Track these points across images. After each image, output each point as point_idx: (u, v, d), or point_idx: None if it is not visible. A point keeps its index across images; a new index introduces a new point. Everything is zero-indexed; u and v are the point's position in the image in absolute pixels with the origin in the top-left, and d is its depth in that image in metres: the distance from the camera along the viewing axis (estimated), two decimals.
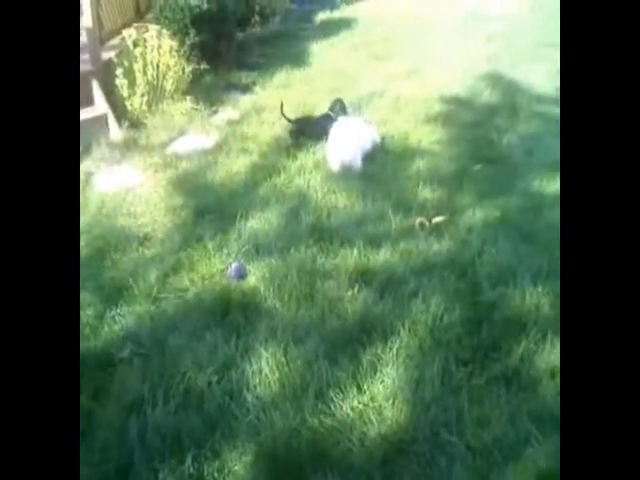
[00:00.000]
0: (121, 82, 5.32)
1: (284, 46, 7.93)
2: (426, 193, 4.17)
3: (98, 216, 4.00)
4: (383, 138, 4.91)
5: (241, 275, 3.29)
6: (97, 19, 5.45)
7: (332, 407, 2.46)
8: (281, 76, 6.65)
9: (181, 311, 3.05)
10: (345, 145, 4.57)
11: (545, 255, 3.35)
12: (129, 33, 5.42)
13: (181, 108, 5.54)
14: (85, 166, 4.62)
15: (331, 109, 5.09)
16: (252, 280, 3.25)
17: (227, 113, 5.74)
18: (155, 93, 5.51)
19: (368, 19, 9.21)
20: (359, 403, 2.48)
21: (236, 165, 4.62)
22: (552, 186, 4.19)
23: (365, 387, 2.55)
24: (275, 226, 3.78)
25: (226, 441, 2.34)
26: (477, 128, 5.31)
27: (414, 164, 4.56)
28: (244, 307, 3.04)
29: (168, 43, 5.49)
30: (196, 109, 5.59)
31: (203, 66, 5.97)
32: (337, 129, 4.71)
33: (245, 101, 6.03)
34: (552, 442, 2.24)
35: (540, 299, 3.04)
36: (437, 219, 3.78)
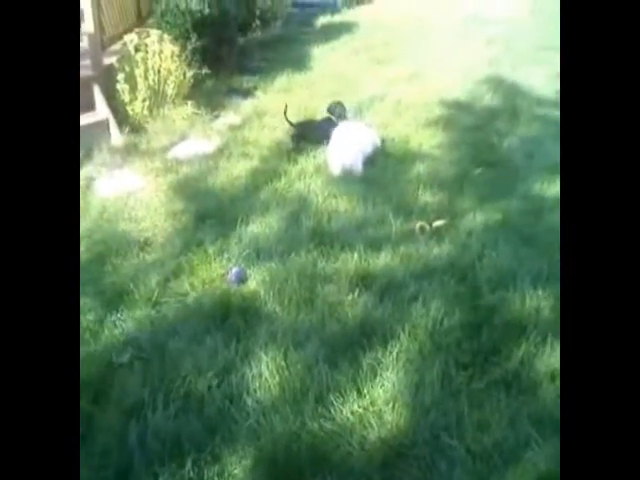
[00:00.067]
0: (122, 87, 5.34)
1: (285, 50, 7.96)
2: (427, 197, 4.17)
3: (99, 221, 4.01)
4: (384, 142, 4.91)
5: (241, 279, 3.30)
6: (99, 24, 5.47)
7: (332, 411, 2.46)
8: (282, 80, 6.67)
9: (181, 315, 3.05)
10: (346, 149, 4.58)
11: (545, 258, 3.35)
12: (130, 38, 5.43)
13: (182, 113, 5.56)
14: (86, 171, 4.64)
15: (330, 111, 5.10)
16: (252, 284, 3.26)
17: (228, 118, 5.75)
18: (156, 98, 5.52)
19: (369, 23, 9.24)
20: (359, 407, 2.48)
21: (237, 169, 4.63)
22: (552, 189, 4.19)
23: (365, 391, 2.55)
24: (276, 230, 3.78)
25: (226, 445, 2.34)
26: (477, 132, 5.32)
27: (415, 168, 4.57)
28: (244, 311, 3.04)
29: (169, 48, 5.50)
30: (197, 114, 5.60)
31: (204, 71, 5.98)
32: (338, 133, 4.72)
33: (246, 105, 6.05)
34: (552, 445, 2.24)
35: (540, 302, 3.04)
36: (437, 223, 3.78)
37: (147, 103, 5.45)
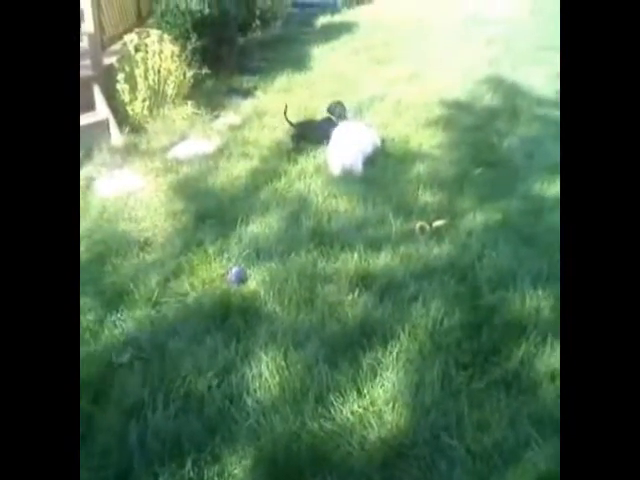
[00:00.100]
0: (122, 87, 5.34)
1: (285, 50, 7.96)
2: (427, 197, 4.17)
3: (99, 221, 4.01)
4: (384, 142, 4.91)
5: (241, 279, 3.30)
6: (99, 25, 5.47)
7: (332, 411, 2.46)
8: (282, 80, 6.67)
9: (181, 315, 3.05)
10: (346, 149, 4.58)
11: (545, 258, 3.35)
12: (130, 38, 5.43)
13: (182, 113, 5.56)
14: (86, 171, 4.64)
15: (330, 111, 5.10)
16: (252, 284, 3.26)
17: (228, 118, 5.75)
18: (156, 98, 5.52)
19: (369, 23, 9.24)
20: (359, 407, 2.48)
21: (237, 170, 4.63)
22: (552, 189, 4.20)
23: (365, 391, 2.55)
24: (275, 230, 3.78)
25: (226, 445, 2.34)
26: (477, 132, 5.32)
27: (415, 168, 4.57)
28: (244, 311, 3.04)
29: (169, 48, 5.50)
30: (197, 114, 5.60)
31: (204, 71, 5.98)
32: (338, 133, 4.72)
33: (246, 106, 6.05)
34: (552, 445, 2.24)
35: (540, 302, 3.04)
36: (437, 223, 3.78)
37: (147, 103, 5.45)
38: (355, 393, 2.54)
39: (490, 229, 3.75)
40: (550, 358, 2.68)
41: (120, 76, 5.31)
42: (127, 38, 5.47)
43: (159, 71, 5.45)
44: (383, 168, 4.58)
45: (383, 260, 3.42)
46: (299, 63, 7.23)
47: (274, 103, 5.84)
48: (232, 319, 2.99)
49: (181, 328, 2.94)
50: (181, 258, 3.51)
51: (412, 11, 9.67)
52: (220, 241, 3.66)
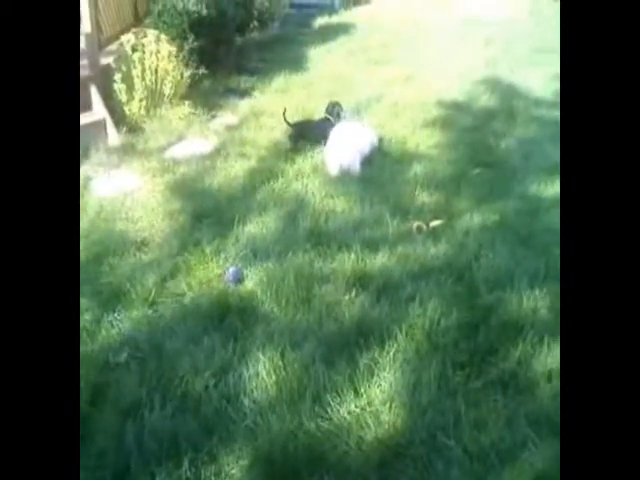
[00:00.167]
0: (119, 87, 5.34)
1: (283, 51, 7.96)
2: (424, 197, 4.18)
3: (96, 221, 4.00)
4: (381, 142, 4.92)
5: (238, 279, 3.30)
6: (96, 25, 5.46)
7: (329, 411, 2.46)
8: (279, 81, 6.67)
9: (178, 315, 3.05)
10: (344, 149, 4.58)
11: (542, 258, 3.36)
12: (127, 38, 5.43)
13: (179, 113, 5.55)
14: (83, 171, 4.62)
15: (328, 112, 5.10)
16: (249, 284, 3.26)
17: (226, 118, 5.76)
18: (153, 98, 5.52)
19: (366, 24, 9.26)
20: (356, 407, 2.48)
21: (234, 170, 4.63)
22: (549, 189, 4.21)
23: (362, 391, 2.55)
24: (273, 230, 3.78)
25: (223, 445, 2.33)
26: (475, 132, 5.33)
27: (412, 168, 4.57)
28: (241, 311, 3.04)
29: (166, 48, 5.50)
30: (194, 114, 5.61)
31: (202, 71, 5.99)
32: (336, 133, 4.73)
33: (244, 106, 6.05)
34: (549, 445, 2.25)
35: (537, 302, 3.04)
36: (435, 223, 3.79)
37: (144, 103, 5.45)
38: (352, 393, 2.54)
39: (487, 229, 3.76)
40: (547, 358, 2.69)
41: (117, 76, 5.31)
42: (124, 38, 5.47)
43: (156, 71, 5.45)
44: (380, 168, 4.58)
45: (380, 260, 3.43)
46: (296, 64, 7.24)
47: (271, 103, 5.85)
48: (229, 319, 2.99)
49: (178, 328, 2.93)
50: (178, 258, 3.51)
51: (410, 12, 9.68)
52: (217, 241, 3.65)
